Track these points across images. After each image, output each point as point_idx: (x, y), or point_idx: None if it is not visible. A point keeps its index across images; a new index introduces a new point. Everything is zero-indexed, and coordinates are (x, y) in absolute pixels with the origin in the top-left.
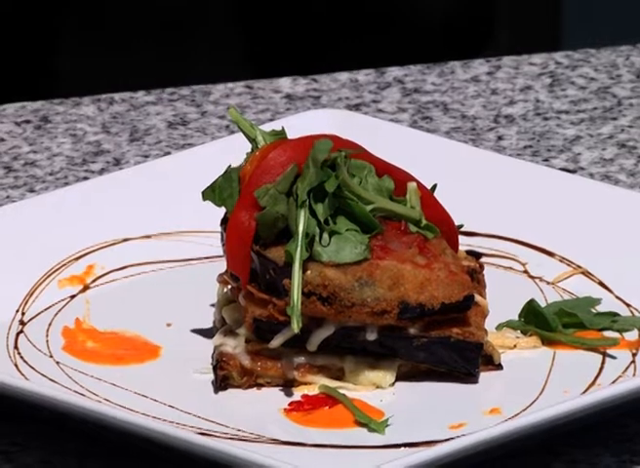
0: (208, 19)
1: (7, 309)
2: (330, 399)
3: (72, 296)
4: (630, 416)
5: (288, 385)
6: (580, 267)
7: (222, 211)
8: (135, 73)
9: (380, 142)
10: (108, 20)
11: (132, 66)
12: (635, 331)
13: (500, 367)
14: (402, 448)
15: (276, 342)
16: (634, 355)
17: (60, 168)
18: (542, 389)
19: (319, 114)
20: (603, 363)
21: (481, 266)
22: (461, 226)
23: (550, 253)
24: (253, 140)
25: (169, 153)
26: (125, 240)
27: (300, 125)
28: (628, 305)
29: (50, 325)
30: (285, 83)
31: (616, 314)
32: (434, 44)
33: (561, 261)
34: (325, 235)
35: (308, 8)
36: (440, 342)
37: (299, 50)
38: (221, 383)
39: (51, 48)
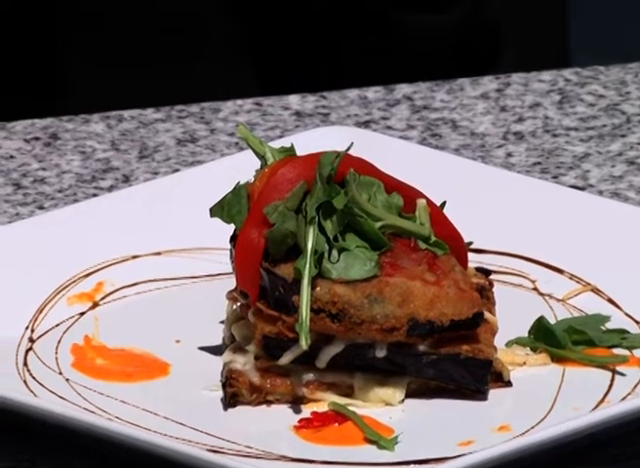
0: (216, 36)
1: (16, 326)
2: (339, 416)
3: (82, 314)
4: None
5: (297, 402)
6: (589, 284)
7: (232, 228)
8: (144, 91)
9: (390, 159)
10: (117, 39)
11: (141, 84)
12: None
13: (509, 384)
14: (411, 466)
15: (285, 359)
16: None
17: (69, 185)
18: (552, 406)
19: (328, 131)
20: (612, 380)
21: (490, 283)
22: (471, 243)
23: (560, 271)
24: (262, 157)
25: (178, 170)
26: (134, 257)
27: (309, 142)
28: (638, 322)
29: (59, 342)
30: (294, 100)
31: (625, 331)
32: (443, 61)
33: (570, 278)
34: (334, 252)
35: (317, 25)
36: (449, 359)
37: (308, 67)
38: (231, 400)
39: (60, 66)
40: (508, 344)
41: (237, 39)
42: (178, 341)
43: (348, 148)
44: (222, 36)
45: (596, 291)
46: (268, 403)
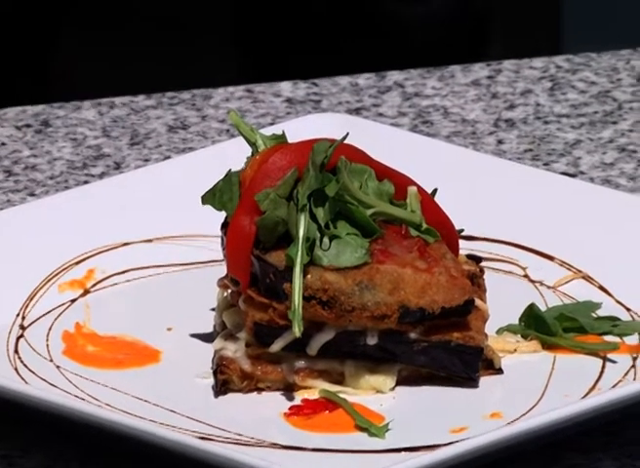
0: (208, 22)
1: (7, 313)
2: (330, 403)
3: (72, 301)
4: (631, 420)
5: (288, 389)
6: (580, 271)
7: (223, 215)
8: (135, 77)
9: (381, 146)
10: (108, 24)
11: (132, 70)
12: (635, 336)
13: (500, 371)
14: (402, 453)
15: (276, 346)
16: (634, 359)
17: (60, 172)
18: (543, 393)
19: (319, 118)
20: (603, 367)
21: (481, 270)
22: (462, 230)
23: (550, 258)
24: (253, 144)
25: (169, 157)
26: (125, 244)
27: (300, 129)
28: (629, 310)
29: (50, 329)
30: (285, 87)
31: (616, 318)
32: (434, 48)
33: (561, 265)
34: (325, 239)
35: (308, 11)
36: (440, 346)
37: (299, 53)
38: (222, 387)
39: (51, 52)
40: (499, 331)
41: (228, 26)
42: (169, 329)
43: (344, 138)
44: (214, 23)
45: (587, 278)
46: (259, 390)
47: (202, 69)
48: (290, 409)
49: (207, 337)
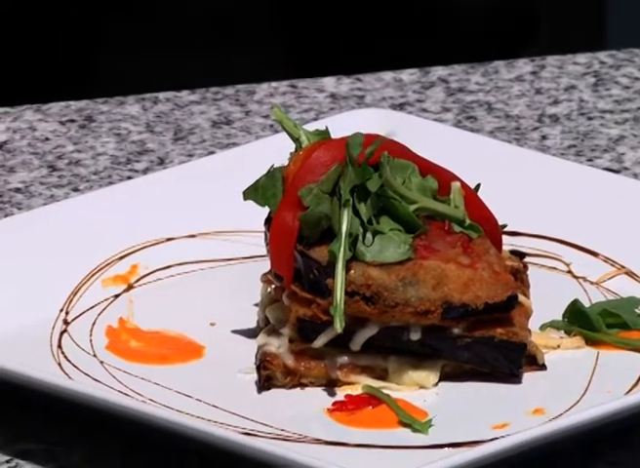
0: (252, 17)
1: (51, 308)
2: (373, 399)
3: (116, 296)
4: None
5: (331, 385)
6: (623, 267)
7: (266, 210)
8: (179, 72)
9: (424, 142)
10: (153, 20)
11: (176, 65)
12: None
13: (543, 367)
14: (446, 449)
15: (319, 342)
16: None
17: (104, 167)
18: (586, 389)
19: (363, 114)
20: None
21: (525, 266)
22: (505, 226)
23: (594, 253)
24: (296, 140)
25: (213, 152)
26: (169, 239)
27: (343, 124)
28: None
29: (93, 324)
30: (329, 82)
31: None
32: (478, 43)
33: (605, 261)
34: (368, 235)
35: (353, 8)
36: (484, 342)
37: (343, 49)
38: (265, 383)
39: (97, 49)
40: (542, 327)
41: (273, 22)
42: (212, 324)
43: (386, 137)
44: (258, 18)
45: (630, 273)
46: (302, 386)
47: (246, 64)
48: (333, 404)
49: (250, 333)
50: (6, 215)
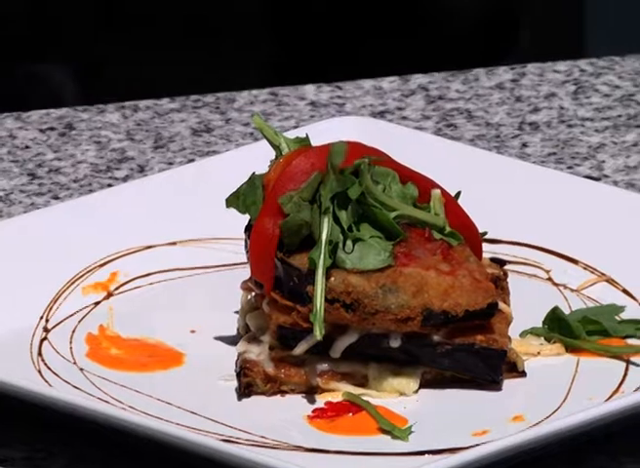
0: (232, 26)
1: (31, 316)
2: (353, 406)
3: (96, 303)
4: None
5: (311, 392)
6: (604, 275)
7: (246, 218)
8: (159, 80)
9: (404, 150)
10: (133, 29)
11: (155, 73)
12: None
13: (523, 374)
14: (425, 456)
15: (300, 349)
16: None
17: (84, 175)
18: (566, 396)
19: (343, 121)
20: (627, 370)
21: (505, 273)
22: (485, 233)
23: (574, 261)
24: (277, 148)
25: (193, 160)
26: (149, 247)
27: (324, 132)
28: None
29: (73, 331)
30: (309, 90)
31: None
32: (458, 51)
33: (585, 269)
34: (348, 242)
35: (332, 15)
36: (464, 349)
37: (323, 57)
38: (245, 390)
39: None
40: (523, 334)
41: (253, 29)
42: (192, 331)
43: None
44: (238, 26)
45: (611, 281)
46: (282, 393)
47: (226, 73)
48: (313, 411)
49: (230, 340)
50: None
